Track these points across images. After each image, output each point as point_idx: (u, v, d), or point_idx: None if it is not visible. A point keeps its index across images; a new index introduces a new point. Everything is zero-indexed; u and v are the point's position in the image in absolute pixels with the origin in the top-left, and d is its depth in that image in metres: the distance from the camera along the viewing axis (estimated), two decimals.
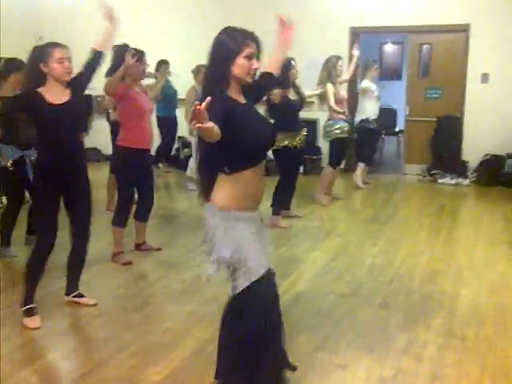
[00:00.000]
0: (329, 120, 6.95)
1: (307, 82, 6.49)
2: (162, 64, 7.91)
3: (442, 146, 8.75)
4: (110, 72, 4.92)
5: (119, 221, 4.79)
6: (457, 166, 8.60)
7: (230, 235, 2.44)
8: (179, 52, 9.18)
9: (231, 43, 2.40)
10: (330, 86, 6.75)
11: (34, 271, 3.66)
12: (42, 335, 3.52)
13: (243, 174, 2.44)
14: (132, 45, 4.95)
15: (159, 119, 8.36)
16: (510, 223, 6.16)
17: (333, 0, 9.06)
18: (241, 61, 2.40)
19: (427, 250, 5.24)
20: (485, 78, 8.48)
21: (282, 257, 4.97)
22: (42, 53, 3.52)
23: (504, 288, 4.33)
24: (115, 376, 3.04)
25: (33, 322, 3.61)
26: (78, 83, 3.68)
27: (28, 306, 3.65)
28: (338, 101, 6.82)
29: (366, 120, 7.85)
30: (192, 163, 7.47)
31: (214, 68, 2.45)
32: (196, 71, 7.33)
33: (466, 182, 8.42)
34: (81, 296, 3.95)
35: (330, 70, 6.76)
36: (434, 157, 8.86)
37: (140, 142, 4.68)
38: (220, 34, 2.46)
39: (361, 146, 8.13)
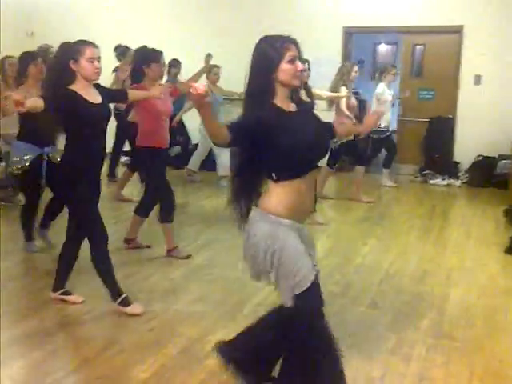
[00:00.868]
0: None
1: None
2: (176, 63, 7.99)
3: (434, 147, 8.75)
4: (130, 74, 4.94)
5: (165, 217, 4.87)
6: (449, 167, 8.61)
7: (277, 243, 2.40)
8: (186, 53, 9.05)
9: (272, 51, 2.37)
10: (343, 89, 6.79)
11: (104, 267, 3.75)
12: (27, 333, 3.48)
13: (292, 183, 2.40)
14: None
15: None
16: (500, 225, 6.16)
17: (326, 0, 9.02)
18: (285, 66, 2.37)
19: (417, 251, 5.24)
20: (477, 79, 8.48)
21: None
22: (72, 50, 3.45)
23: (493, 289, 4.33)
24: (101, 374, 3.01)
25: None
26: (104, 92, 3.69)
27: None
28: (348, 106, 6.85)
29: (377, 131, 7.55)
30: (223, 162, 7.35)
31: (259, 78, 2.41)
32: (208, 71, 7.39)
33: (458, 183, 8.43)
34: (68, 294, 3.91)
35: (343, 76, 6.80)
36: (426, 157, 8.87)
37: (158, 142, 4.71)
38: (259, 43, 2.43)
39: (380, 152, 8.23)
